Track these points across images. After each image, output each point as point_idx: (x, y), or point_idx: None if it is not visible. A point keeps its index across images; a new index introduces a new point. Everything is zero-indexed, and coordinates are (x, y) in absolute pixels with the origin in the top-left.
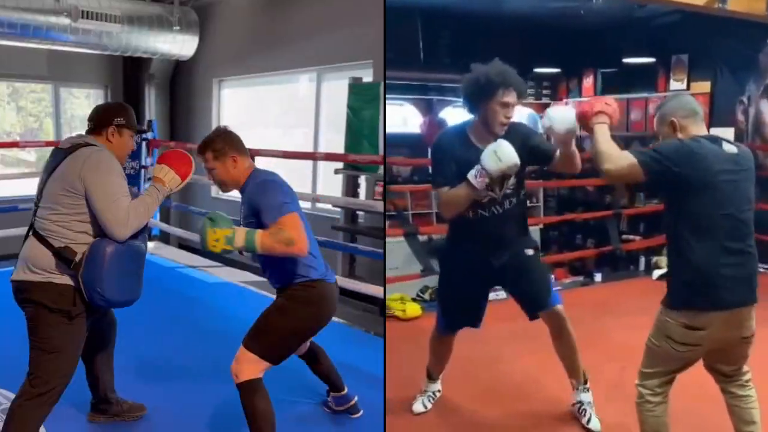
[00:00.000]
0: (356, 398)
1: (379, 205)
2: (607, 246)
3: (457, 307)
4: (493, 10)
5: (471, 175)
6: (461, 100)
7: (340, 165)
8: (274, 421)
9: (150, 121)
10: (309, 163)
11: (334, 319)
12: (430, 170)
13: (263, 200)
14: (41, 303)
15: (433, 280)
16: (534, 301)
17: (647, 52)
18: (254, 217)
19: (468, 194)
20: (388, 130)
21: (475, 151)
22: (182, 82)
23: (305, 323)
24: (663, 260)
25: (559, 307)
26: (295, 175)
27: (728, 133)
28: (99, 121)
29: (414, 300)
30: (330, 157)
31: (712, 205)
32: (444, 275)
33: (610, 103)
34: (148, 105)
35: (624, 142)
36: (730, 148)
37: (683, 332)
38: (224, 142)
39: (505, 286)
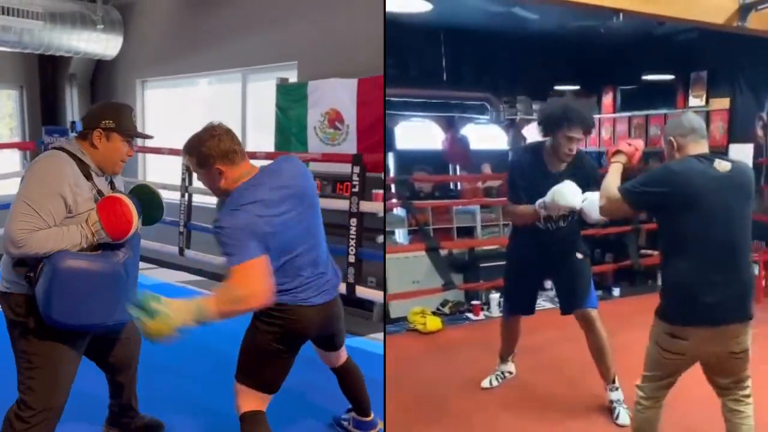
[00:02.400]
0: (379, 428)
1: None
2: (626, 261)
3: (514, 295)
4: (514, 29)
5: (537, 204)
6: (480, 117)
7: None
8: None
9: (73, 122)
10: None
11: None
12: (507, 183)
13: (221, 239)
14: (5, 314)
15: (453, 295)
16: (569, 299)
17: (666, 69)
18: None
19: (532, 215)
20: (409, 146)
21: (545, 175)
22: (103, 83)
23: (270, 345)
24: None
25: (591, 310)
26: None
27: (747, 148)
28: (85, 123)
29: (434, 314)
30: (271, 156)
31: (697, 223)
32: (507, 269)
33: (632, 143)
34: (70, 106)
35: (643, 158)
36: (722, 166)
37: (666, 339)
38: (210, 150)
39: (553, 281)
